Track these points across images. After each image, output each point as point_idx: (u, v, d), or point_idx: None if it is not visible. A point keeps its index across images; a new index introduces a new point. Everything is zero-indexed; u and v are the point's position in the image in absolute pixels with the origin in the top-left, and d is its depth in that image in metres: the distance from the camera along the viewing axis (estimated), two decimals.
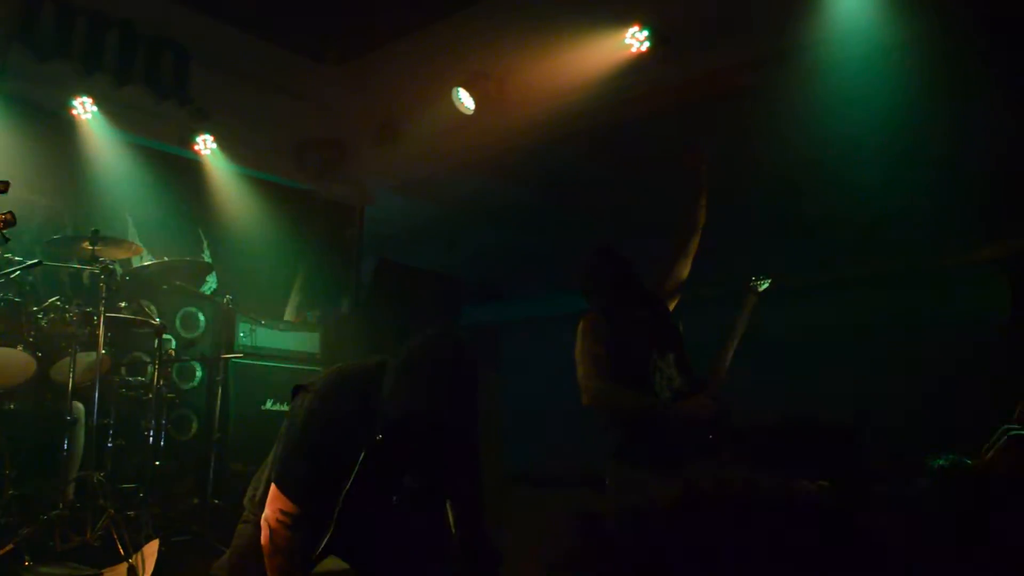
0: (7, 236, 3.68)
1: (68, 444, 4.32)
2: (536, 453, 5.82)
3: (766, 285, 3.95)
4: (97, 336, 4.39)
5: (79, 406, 4.49)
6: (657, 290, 3.99)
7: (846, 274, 6.20)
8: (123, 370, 5.15)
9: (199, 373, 5.78)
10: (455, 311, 6.14)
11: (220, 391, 5.56)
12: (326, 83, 7.32)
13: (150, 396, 4.90)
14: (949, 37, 4.51)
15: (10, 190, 3.29)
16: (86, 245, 4.83)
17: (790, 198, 5.65)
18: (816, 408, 5.53)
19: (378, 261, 6.20)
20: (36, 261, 4.24)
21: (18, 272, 4.25)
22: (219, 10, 6.48)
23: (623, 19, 5.34)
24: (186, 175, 6.66)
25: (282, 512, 2.49)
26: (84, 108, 5.91)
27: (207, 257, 6.76)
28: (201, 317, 5.87)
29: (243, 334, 5.95)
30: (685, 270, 4.05)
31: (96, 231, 4.82)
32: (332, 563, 2.66)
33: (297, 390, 2.71)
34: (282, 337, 6.18)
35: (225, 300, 5.85)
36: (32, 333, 4.40)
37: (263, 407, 5.89)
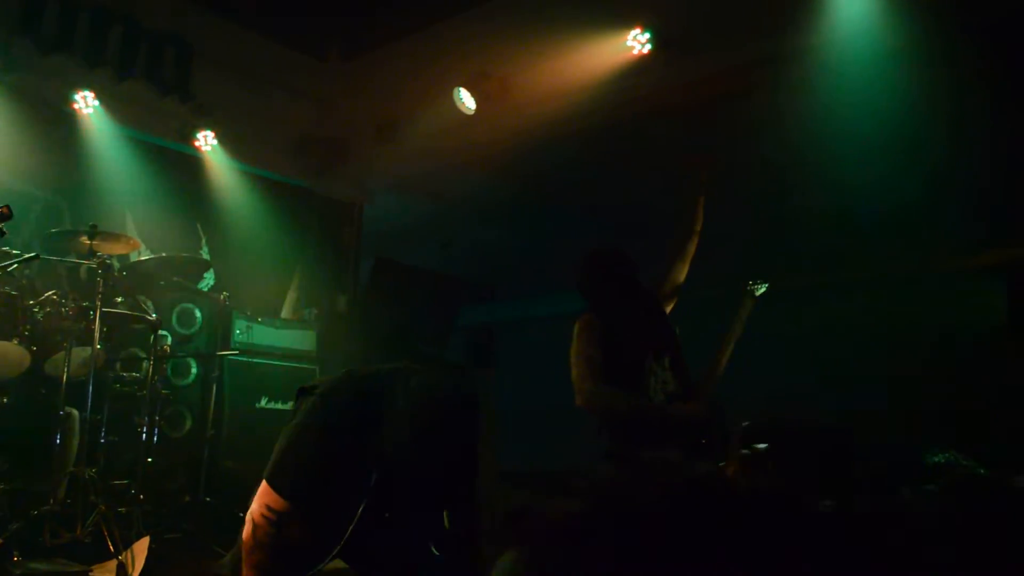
0: (3, 230, 3.67)
1: (60, 439, 4.30)
2: (529, 453, 5.81)
3: (763, 289, 3.93)
4: (92, 331, 4.38)
5: (74, 412, 4.48)
6: (655, 292, 3.98)
7: (844, 277, 6.20)
8: (118, 365, 5.14)
9: (194, 370, 5.76)
10: (453, 312, 6.11)
11: (215, 388, 5.54)
12: (327, 81, 7.32)
13: (144, 392, 4.89)
14: (948, 42, 4.50)
15: (10, 183, 3.28)
16: (84, 239, 4.81)
17: (789, 201, 5.64)
18: (809, 410, 5.54)
19: (376, 260, 6.18)
20: (33, 255, 4.23)
21: (15, 266, 4.23)
22: (223, 7, 6.49)
23: (625, 21, 5.34)
24: (186, 171, 6.67)
25: (268, 508, 2.46)
26: (86, 102, 5.91)
27: (205, 253, 6.75)
28: (198, 313, 5.85)
29: (239, 331, 5.93)
30: (683, 273, 4.05)
31: (94, 225, 4.79)
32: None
33: (302, 392, 2.67)
34: (279, 335, 6.16)
35: (222, 297, 5.83)
36: (28, 327, 4.37)
37: (258, 405, 5.87)
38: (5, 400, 4.41)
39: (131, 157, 6.26)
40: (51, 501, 4.06)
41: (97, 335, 4.38)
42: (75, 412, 4.45)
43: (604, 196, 6.76)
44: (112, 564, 3.83)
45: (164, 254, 5.71)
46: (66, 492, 4.23)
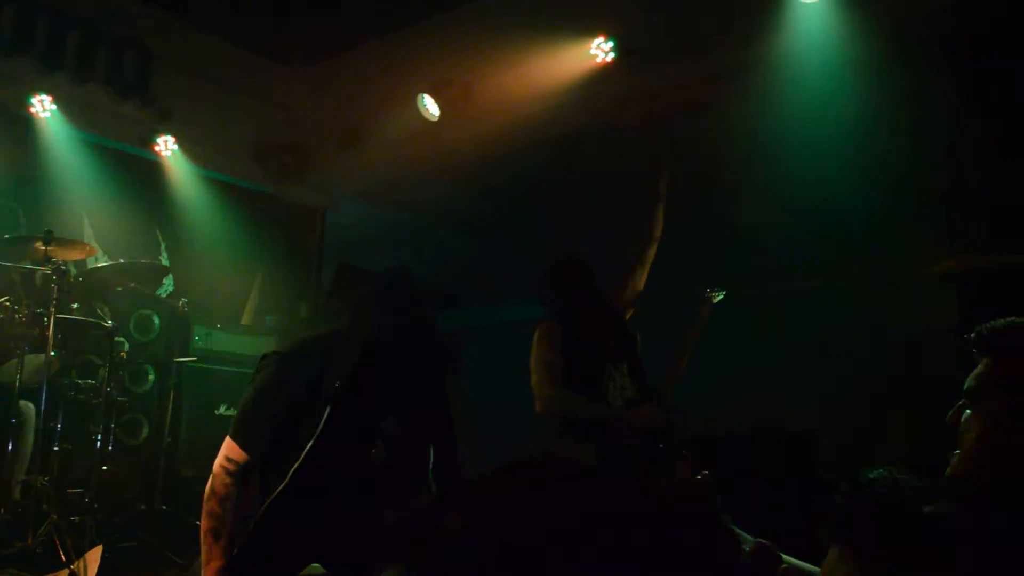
0: None
1: (13, 446, 4.23)
2: (491, 459, 5.79)
3: (720, 297, 3.98)
4: (47, 338, 4.31)
5: (30, 406, 4.41)
6: (614, 299, 4.00)
7: (802, 286, 6.27)
8: (73, 372, 5.06)
9: (152, 376, 5.68)
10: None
11: (172, 395, 5.48)
12: (290, 86, 7.26)
13: (100, 400, 4.82)
14: (907, 53, 4.58)
15: None
16: (39, 245, 4.74)
17: (749, 209, 5.69)
18: (774, 417, 5.58)
19: (338, 264, 6.14)
20: None
21: None
22: (183, 10, 6.42)
23: (589, 30, 5.36)
24: (145, 176, 6.56)
25: (227, 459, 2.56)
26: (43, 106, 5.81)
27: (164, 259, 6.66)
28: (156, 320, 5.77)
29: (198, 338, 5.87)
30: (642, 280, 4.09)
31: (49, 231, 4.73)
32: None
33: (264, 357, 2.78)
34: (238, 341, 6.10)
35: (181, 303, 5.77)
36: None
37: (216, 412, 5.80)
38: None
39: (89, 162, 6.16)
40: (2, 510, 3.99)
41: (51, 342, 4.32)
42: (31, 407, 4.37)
43: (566, 204, 6.77)
44: (63, 574, 3.77)
45: (122, 260, 5.65)
46: (18, 501, 4.17)
